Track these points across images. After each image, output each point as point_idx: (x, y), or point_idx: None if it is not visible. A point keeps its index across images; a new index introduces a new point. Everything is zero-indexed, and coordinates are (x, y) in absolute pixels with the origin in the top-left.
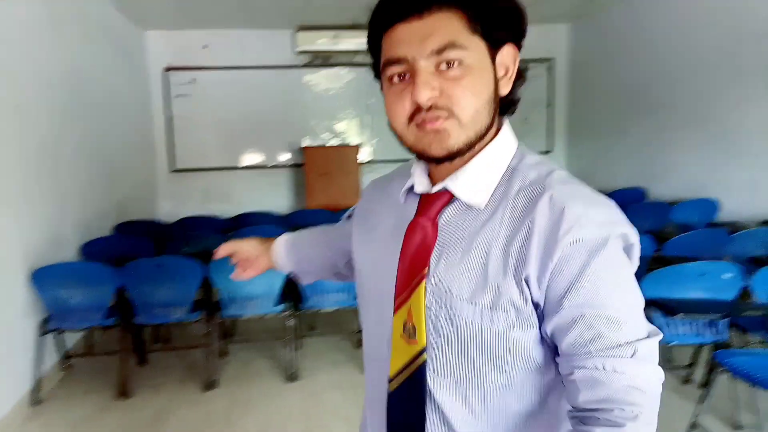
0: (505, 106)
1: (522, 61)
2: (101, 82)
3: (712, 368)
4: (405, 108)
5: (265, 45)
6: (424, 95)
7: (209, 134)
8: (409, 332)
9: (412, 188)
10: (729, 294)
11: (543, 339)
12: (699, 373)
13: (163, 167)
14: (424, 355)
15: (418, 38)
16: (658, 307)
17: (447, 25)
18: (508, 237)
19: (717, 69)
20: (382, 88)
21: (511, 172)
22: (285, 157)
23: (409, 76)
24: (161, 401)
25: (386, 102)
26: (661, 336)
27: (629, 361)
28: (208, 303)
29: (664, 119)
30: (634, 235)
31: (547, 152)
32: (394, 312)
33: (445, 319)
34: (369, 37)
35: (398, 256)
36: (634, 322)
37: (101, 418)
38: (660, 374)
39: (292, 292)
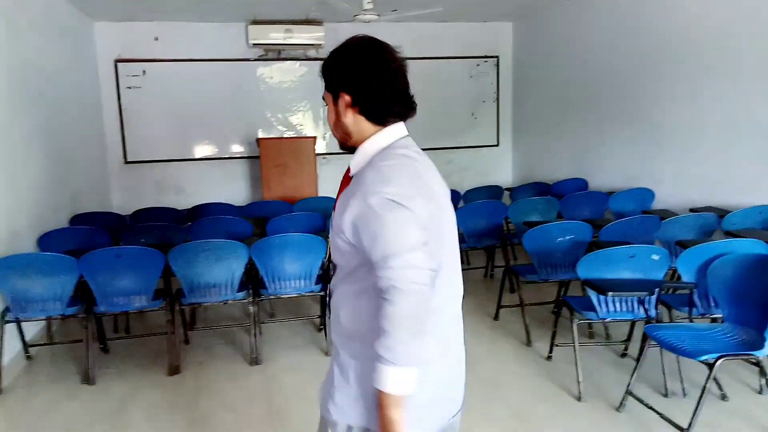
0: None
1: (470, 58)
2: (51, 73)
3: (644, 341)
4: None
5: (217, 38)
6: None
7: (162, 126)
8: None
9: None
10: (658, 274)
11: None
12: (635, 347)
13: (115, 159)
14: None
15: None
16: (591, 287)
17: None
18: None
19: (642, 69)
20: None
21: (369, 159)
22: (240, 148)
23: None
24: (125, 387)
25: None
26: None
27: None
28: (169, 292)
29: (600, 114)
30: (397, 195)
31: (494, 146)
32: None
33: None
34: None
35: None
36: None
37: (67, 405)
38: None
39: (251, 279)
